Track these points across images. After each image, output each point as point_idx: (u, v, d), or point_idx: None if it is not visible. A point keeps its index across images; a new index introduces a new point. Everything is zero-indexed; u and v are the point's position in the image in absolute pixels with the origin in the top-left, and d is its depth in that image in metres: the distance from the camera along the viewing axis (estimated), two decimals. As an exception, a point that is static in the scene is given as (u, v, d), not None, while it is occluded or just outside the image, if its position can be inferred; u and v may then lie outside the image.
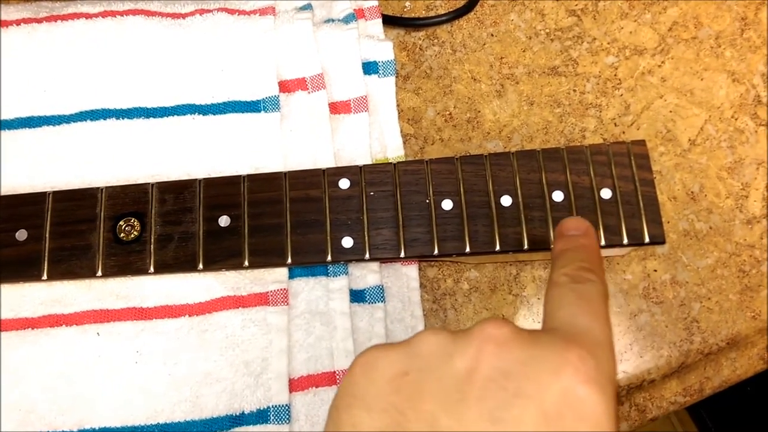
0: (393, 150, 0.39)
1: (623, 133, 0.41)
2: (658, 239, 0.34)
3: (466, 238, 0.34)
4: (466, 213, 0.34)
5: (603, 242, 0.34)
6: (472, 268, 0.38)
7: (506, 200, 0.34)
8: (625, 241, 0.34)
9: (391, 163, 0.35)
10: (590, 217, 0.34)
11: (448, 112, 0.42)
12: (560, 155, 0.35)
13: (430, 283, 0.38)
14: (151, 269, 0.34)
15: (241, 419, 0.33)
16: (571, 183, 0.35)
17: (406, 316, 0.36)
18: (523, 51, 0.43)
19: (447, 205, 0.34)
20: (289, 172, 0.35)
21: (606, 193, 0.34)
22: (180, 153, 0.37)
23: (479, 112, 0.42)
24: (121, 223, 0.34)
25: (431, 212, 0.34)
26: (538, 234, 0.34)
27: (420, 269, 0.38)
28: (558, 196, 0.34)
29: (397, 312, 0.36)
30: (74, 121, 0.37)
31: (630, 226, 0.34)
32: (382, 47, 0.39)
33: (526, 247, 0.34)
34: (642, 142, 0.35)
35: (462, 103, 0.42)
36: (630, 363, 0.37)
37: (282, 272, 0.35)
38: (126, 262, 0.34)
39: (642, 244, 0.34)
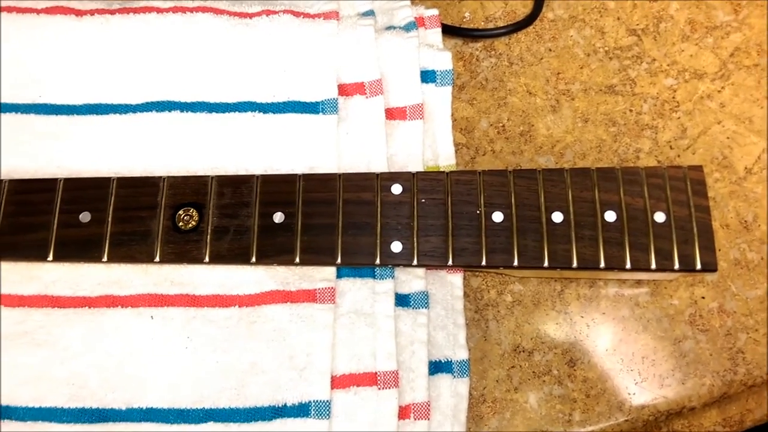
0: (445, 158, 0.39)
1: (678, 156, 0.41)
2: (710, 267, 0.33)
3: (515, 252, 0.34)
4: (516, 226, 0.34)
5: (653, 266, 0.33)
6: (517, 281, 0.39)
7: (557, 216, 0.34)
8: (677, 266, 0.33)
9: (443, 171, 0.36)
10: (642, 240, 0.34)
11: (501, 124, 0.42)
12: (615, 175, 0.35)
13: (473, 293, 0.38)
14: (207, 259, 0.35)
15: (283, 411, 0.33)
16: (625, 204, 0.34)
17: (449, 323, 0.36)
18: (581, 68, 0.43)
19: (497, 217, 0.35)
20: (343, 174, 0.36)
21: (660, 217, 0.34)
22: (238, 148, 0.38)
23: (533, 126, 0.42)
24: (181, 212, 0.35)
25: (481, 223, 0.34)
26: (587, 253, 0.34)
27: (464, 278, 0.38)
28: (610, 216, 0.34)
29: (440, 319, 0.36)
30: (140, 111, 0.38)
31: (682, 252, 0.34)
32: (441, 57, 0.39)
33: (575, 265, 0.34)
34: (699, 168, 0.35)
35: (516, 116, 0.42)
36: (671, 389, 0.37)
37: (330, 271, 0.36)
38: (183, 250, 0.35)
39: (693, 270, 0.34)
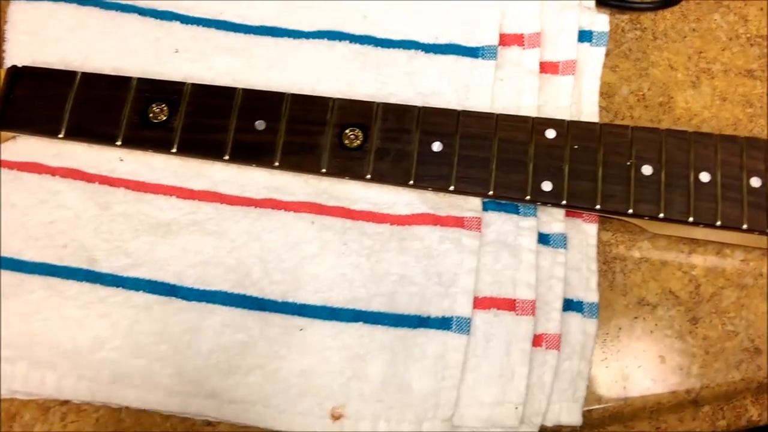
0: (587, 117, 0.41)
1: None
2: None
3: (662, 204, 0.36)
4: (664, 181, 0.36)
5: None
6: (646, 239, 0.40)
7: (705, 176, 0.36)
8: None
9: (597, 123, 0.38)
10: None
11: (641, 93, 0.44)
12: (763, 146, 0.37)
13: (602, 246, 0.40)
14: (369, 176, 0.37)
15: (427, 322, 0.36)
16: (773, 171, 0.36)
17: (583, 267, 0.38)
18: (722, 50, 0.45)
19: (647, 170, 0.36)
20: (499, 114, 0.38)
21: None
22: (398, 82, 0.40)
23: (672, 98, 0.44)
24: (347, 131, 0.38)
25: (631, 174, 0.36)
26: (731, 213, 0.36)
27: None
28: (756, 182, 0.36)
29: (575, 262, 0.38)
30: (312, 38, 0.41)
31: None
32: (599, 19, 0.42)
33: (719, 223, 0.35)
34: None
35: (656, 86, 0.44)
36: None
37: (476, 203, 0.38)
38: (347, 165, 0.38)
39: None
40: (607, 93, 0.44)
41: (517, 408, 0.35)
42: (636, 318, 0.39)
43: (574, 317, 0.37)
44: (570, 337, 0.37)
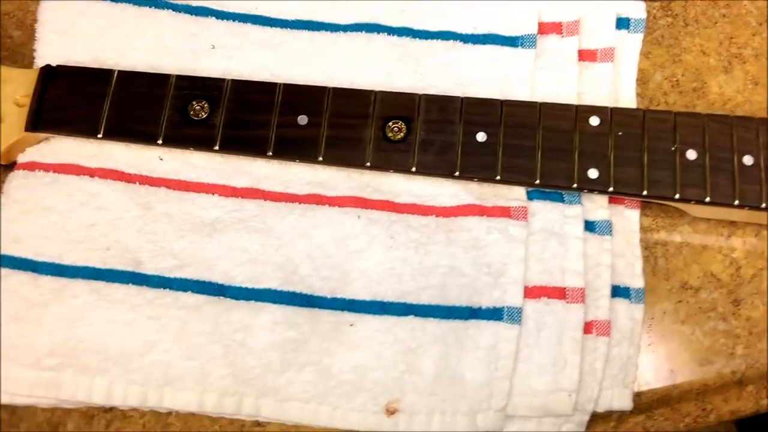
0: (625, 103, 0.41)
1: None
2: None
3: (707, 188, 0.36)
4: (709, 164, 0.36)
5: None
6: (686, 224, 0.41)
7: (748, 160, 0.37)
8: None
9: (640, 109, 0.38)
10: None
11: (675, 79, 0.44)
12: (803, 128, 0.37)
13: (643, 231, 0.40)
14: (414, 168, 0.37)
15: (478, 313, 0.36)
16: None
17: (628, 253, 0.38)
18: (753, 35, 0.45)
19: (691, 155, 0.37)
20: (543, 103, 0.38)
21: None
22: (437, 73, 0.40)
23: (705, 83, 0.44)
24: (390, 123, 0.38)
25: (676, 159, 0.37)
26: (776, 195, 0.36)
27: (637, 216, 0.40)
28: (799, 164, 0.36)
29: (620, 248, 0.38)
30: (350, 31, 0.41)
31: None
32: (636, 6, 0.42)
33: (764, 205, 0.36)
34: None
35: (689, 72, 0.44)
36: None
37: (521, 192, 0.38)
38: (391, 158, 0.38)
39: None
40: (641, 79, 0.44)
41: (570, 395, 0.35)
42: (680, 302, 0.39)
43: (621, 303, 0.37)
44: (618, 324, 0.37)
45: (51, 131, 0.39)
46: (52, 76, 0.39)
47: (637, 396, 0.38)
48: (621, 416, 0.38)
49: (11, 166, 0.40)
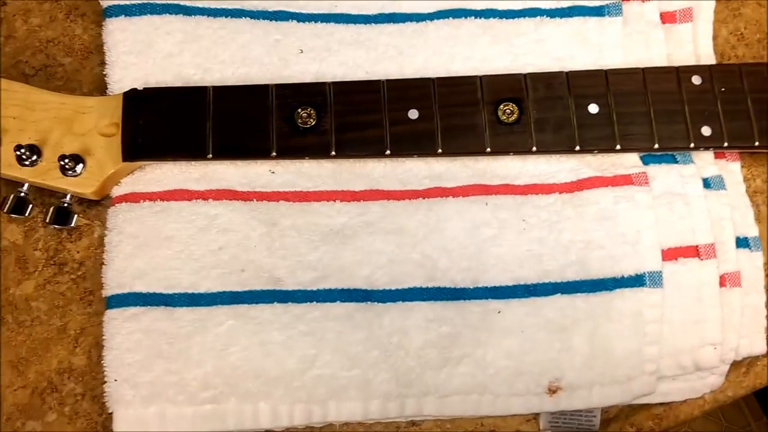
0: (705, 60, 0.42)
1: None
2: None
3: (815, 131, 0.38)
4: (811, 109, 0.38)
5: None
6: (780, 169, 0.42)
7: None
8: None
9: (736, 64, 0.39)
10: None
11: (739, 32, 0.45)
12: None
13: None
14: (534, 148, 0.37)
15: (621, 282, 0.36)
16: None
17: (740, 204, 0.40)
18: (801, -19, 0.47)
19: (793, 101, 0.38)
20: (646, 68, 0.39)
21: None
22: (531, 51, 0.40)
23: (768, 33, 0.46)
24: (502, 106, 0.38)
25: (779, 107, 0.38)
26: None
27: (735, 167, 0.42)
28: None
29: (732, 200, 0.39)
30: (435, 18, 0.40)
31: None
32: (706, -36, 0.43)
33: None
34: None
35: (751, 25, 0.46)
36: None
37: (635, 159, 0.39)
38: (510, 141, 0.37)
39: None
40: (709, 36, 0.45)
41: (715, 348, 0.36)
42: (787, 245, 0.41)
43: (743, 253, 0.39)
44: (745, 273, 0.38)
45: (152, 159, 0.36)
46: (138, 101, 0.37)
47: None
48: (751, 361, 0.40)
49: (96, 201, 0.38)
